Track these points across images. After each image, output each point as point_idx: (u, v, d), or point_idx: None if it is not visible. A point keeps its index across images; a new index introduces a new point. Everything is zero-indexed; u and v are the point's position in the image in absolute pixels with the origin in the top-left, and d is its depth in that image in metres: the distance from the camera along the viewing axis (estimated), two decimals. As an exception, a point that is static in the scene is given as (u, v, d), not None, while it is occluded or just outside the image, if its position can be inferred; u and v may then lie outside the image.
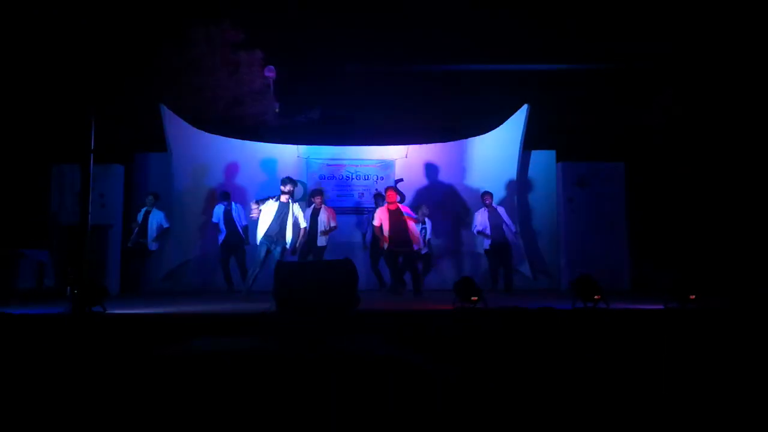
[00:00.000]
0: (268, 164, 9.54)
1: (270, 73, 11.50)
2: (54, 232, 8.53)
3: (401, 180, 9.52)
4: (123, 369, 3.08)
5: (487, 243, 8.37)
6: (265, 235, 7.10)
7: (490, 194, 8.49)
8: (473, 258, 9.32)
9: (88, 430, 2.59)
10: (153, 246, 8.40)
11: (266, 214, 7.16)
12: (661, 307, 5.14)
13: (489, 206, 8.40)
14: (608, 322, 4.63)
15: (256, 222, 7.32)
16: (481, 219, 8.37)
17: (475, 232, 8.52)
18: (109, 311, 4.94)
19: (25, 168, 9.39)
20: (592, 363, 3.38)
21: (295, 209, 7.29)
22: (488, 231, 8.31)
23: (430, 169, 9.66)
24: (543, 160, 9.53)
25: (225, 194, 8.55)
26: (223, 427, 2.57)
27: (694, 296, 5.11)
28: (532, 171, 9.52)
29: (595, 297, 5.04)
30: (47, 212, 8.63)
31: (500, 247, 8.28)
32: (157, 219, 8.39)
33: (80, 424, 2.62)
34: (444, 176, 9.60)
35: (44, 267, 8.18)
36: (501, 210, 8.42)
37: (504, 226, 8.33)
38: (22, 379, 3.25)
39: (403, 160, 9.66)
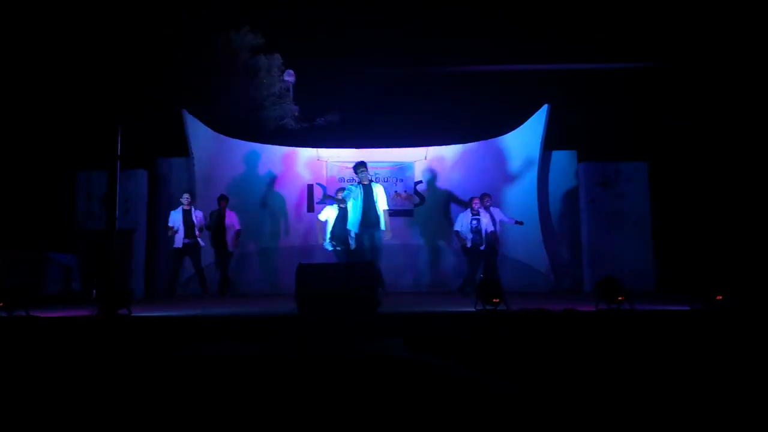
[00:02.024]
0: (288, 167, 9.61)
1: (290, 77, 11.60)
2: (80, 236, 8.70)
3: (420, 182, 9.52)
4: (143, 370, 3.13)
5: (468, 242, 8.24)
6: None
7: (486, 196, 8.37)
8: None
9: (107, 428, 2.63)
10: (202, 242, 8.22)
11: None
12: (686, 308, 5.05)
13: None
14: (632, 324, 4.57)
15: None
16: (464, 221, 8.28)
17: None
18: (134, 314, 5.02)
19: (51, 175, 9.60)
20: (616, 365, 3.34)
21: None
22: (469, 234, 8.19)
23: (450, 170, 9.64)
24: (564, 160, 9.43)
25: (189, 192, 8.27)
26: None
27: (720, 297, 5.01)
28: (553, 172, 9.42)
29: (619, 298, 4.98)
30: (73, 218, 8.80)
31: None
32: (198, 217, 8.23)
33: (99, 424, 2.66)
34: (463, 178, 9.56)
35: (71, 271, 8.35)
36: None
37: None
38: (49, 381, 3.32)
39: (422, 162, 9.65)
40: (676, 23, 10.41)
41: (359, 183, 7.26)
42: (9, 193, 9.39)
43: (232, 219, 8.36)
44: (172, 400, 2.69)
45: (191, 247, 8.06)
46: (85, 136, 9.42)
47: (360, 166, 7.31)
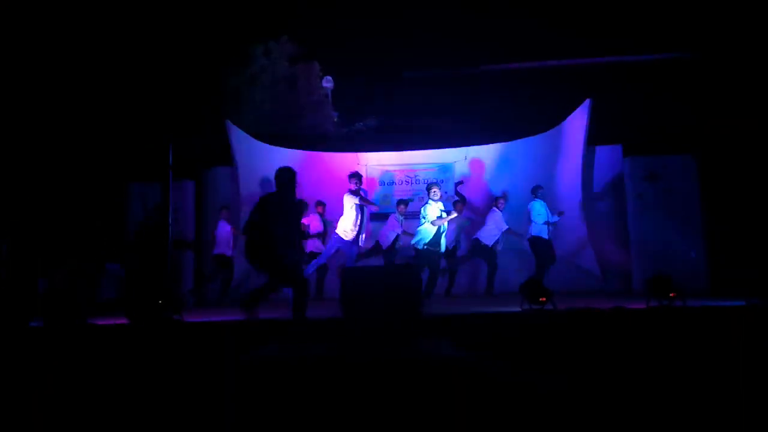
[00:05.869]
0: (329, 172, 9.71)
1: (328, 83, 11.75)
2: (131, 247, 9.01)
3: (461, 182, 9.46)
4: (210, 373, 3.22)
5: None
6: None
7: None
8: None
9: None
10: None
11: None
12: (741, 303, 4.87)
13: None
14: (687, 320, 4.43)
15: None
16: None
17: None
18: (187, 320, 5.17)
19: (101, 187, 9.96)
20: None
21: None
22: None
23: (491, 170, 9.55)
24: (609, 155, 9.20)
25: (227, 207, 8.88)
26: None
27: (781, 293, 4.81)
28: (598, 167, 9.20)
29: (671, 295, 4.84)
30: (124, 228, 9.13)
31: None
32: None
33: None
34: (505, 176, 9.46)
35: (122, 280, 8.65)
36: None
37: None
38: (110, 384, 3.45)
39: (462, 162, 9.60)
40: (728, 11, 10.03)
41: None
42: (64, 206, 9.78)
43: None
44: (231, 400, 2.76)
45: (231, 258, 8.57)
46: (132, 149, 9.75)
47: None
